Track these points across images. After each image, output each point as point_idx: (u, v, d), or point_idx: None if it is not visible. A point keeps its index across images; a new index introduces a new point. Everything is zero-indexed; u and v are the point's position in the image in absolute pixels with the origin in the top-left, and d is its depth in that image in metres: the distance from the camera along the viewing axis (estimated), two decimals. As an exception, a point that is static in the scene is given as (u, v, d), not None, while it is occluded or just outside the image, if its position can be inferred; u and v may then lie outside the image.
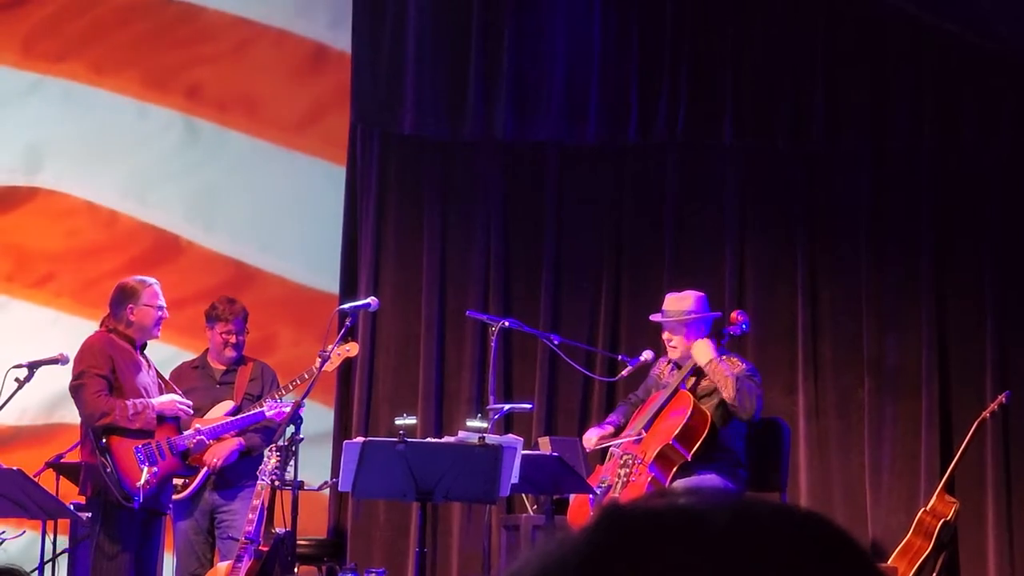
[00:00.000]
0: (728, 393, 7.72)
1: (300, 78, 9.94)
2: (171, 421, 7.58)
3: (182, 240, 9.81)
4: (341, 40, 9.90)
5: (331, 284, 9.79)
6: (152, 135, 9.82)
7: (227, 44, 9.93)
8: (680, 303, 8.00)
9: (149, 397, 7.51)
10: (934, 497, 8.58)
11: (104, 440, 7.33)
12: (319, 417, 9.28)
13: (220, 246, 9.82)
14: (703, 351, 7.85)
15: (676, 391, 7.84)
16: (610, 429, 8.04)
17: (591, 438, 8.00)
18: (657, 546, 0.99)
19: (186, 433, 7.62)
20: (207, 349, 8.50)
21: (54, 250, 9.77)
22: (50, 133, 9.78)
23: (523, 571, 1.03)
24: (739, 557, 0.99)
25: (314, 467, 8.70)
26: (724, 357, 7.92)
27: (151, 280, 7.72)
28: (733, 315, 8.22)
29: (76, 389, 7.45)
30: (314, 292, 9.83)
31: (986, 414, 8.72)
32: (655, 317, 8.10)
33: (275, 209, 9.86)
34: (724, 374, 7.75)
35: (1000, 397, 8.78)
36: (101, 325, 7.64)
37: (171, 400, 7.59)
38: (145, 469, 7.29)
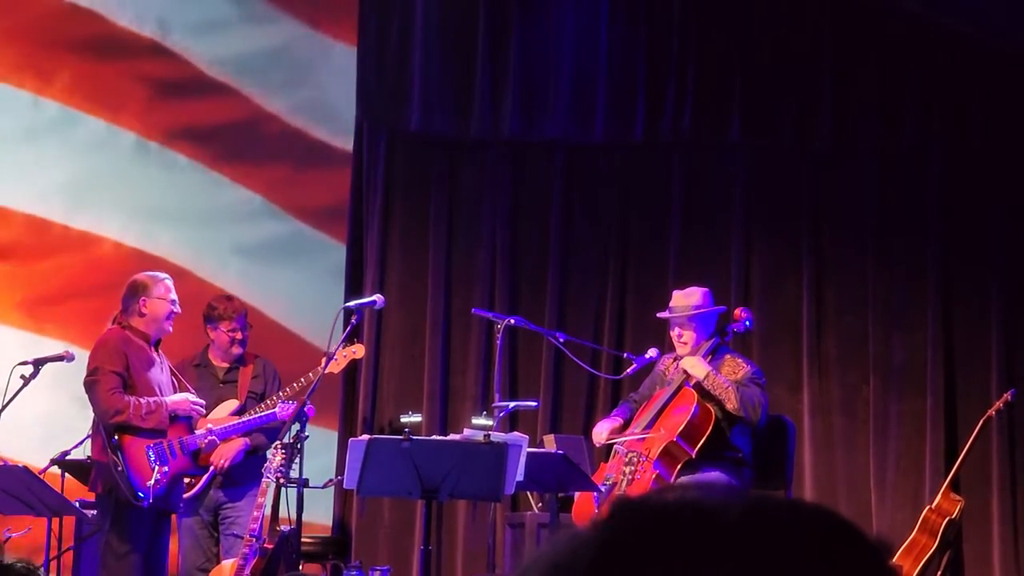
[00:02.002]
0: (731, 405, 7.68)
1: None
2: (183, 420, 7.57)
3: (179, 253, 9.78)
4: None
5: (336, 283, 9.77)
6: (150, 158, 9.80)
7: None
8: (687, 299, 8.01)
9: (163, 395, 7.50)
10: (939, 495, 8.58)
11: (116, 438, 7.32)
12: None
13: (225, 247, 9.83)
14: (696, 367, 7.79)
15: (680, 388, 7.83)
16: (619, 421, 7.98)
17: (602, 432, 7.92)
18: (669, 540, 1.00)
19: (198, 433, 7.61)
20: (207, 346, 8.47)
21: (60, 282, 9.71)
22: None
23: (535, 566, 1.03)
24: (750, 550, 0.99)
25: (318, 465, 8.71)
26: (728, 357, 7.91)
27: (162, 275, 7.73)
28: (736, 312, 8.21)
29: (90, 385, 7.43)
30: (319, 292, 9.80)
31: (991, 412, 8.72)
32: (663, 314, 8.09)
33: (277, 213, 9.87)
34: (724, 386, 7.70)
35: (1005, 395, 8.77)
36: (113, 322, 7.60)
37: (184, 399, 7.58)
38: (156, 468, 7.28)
